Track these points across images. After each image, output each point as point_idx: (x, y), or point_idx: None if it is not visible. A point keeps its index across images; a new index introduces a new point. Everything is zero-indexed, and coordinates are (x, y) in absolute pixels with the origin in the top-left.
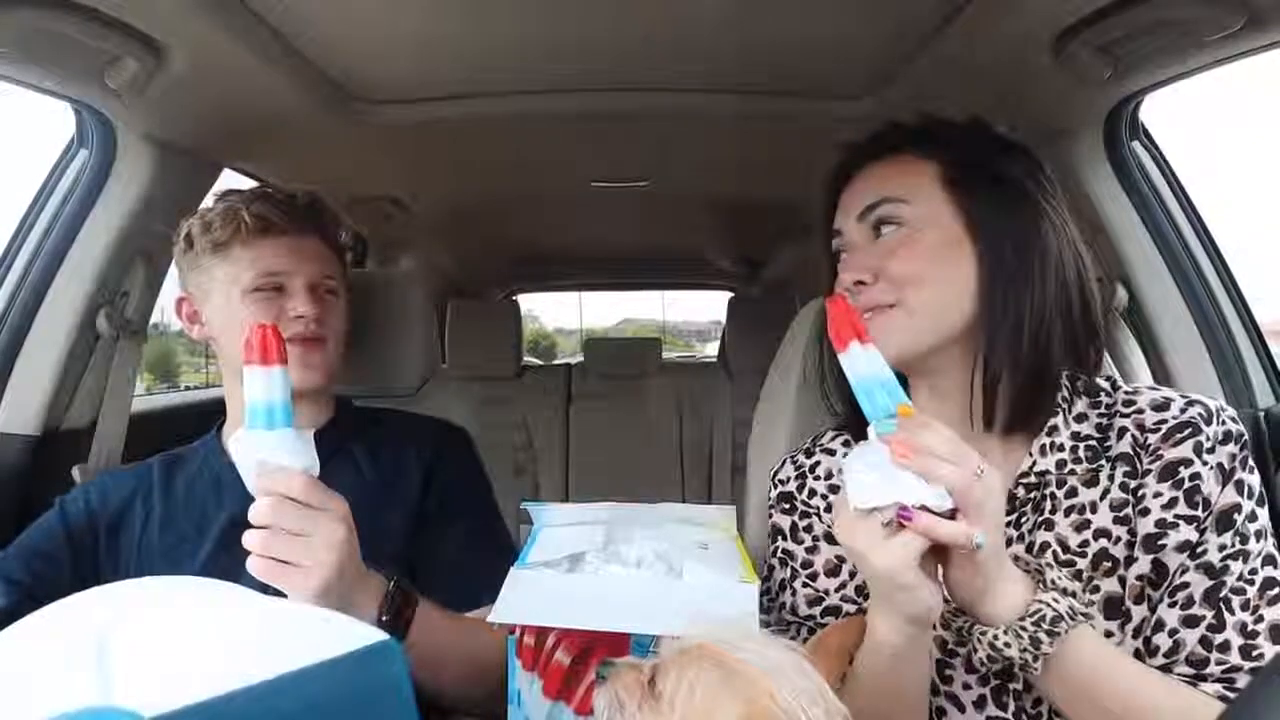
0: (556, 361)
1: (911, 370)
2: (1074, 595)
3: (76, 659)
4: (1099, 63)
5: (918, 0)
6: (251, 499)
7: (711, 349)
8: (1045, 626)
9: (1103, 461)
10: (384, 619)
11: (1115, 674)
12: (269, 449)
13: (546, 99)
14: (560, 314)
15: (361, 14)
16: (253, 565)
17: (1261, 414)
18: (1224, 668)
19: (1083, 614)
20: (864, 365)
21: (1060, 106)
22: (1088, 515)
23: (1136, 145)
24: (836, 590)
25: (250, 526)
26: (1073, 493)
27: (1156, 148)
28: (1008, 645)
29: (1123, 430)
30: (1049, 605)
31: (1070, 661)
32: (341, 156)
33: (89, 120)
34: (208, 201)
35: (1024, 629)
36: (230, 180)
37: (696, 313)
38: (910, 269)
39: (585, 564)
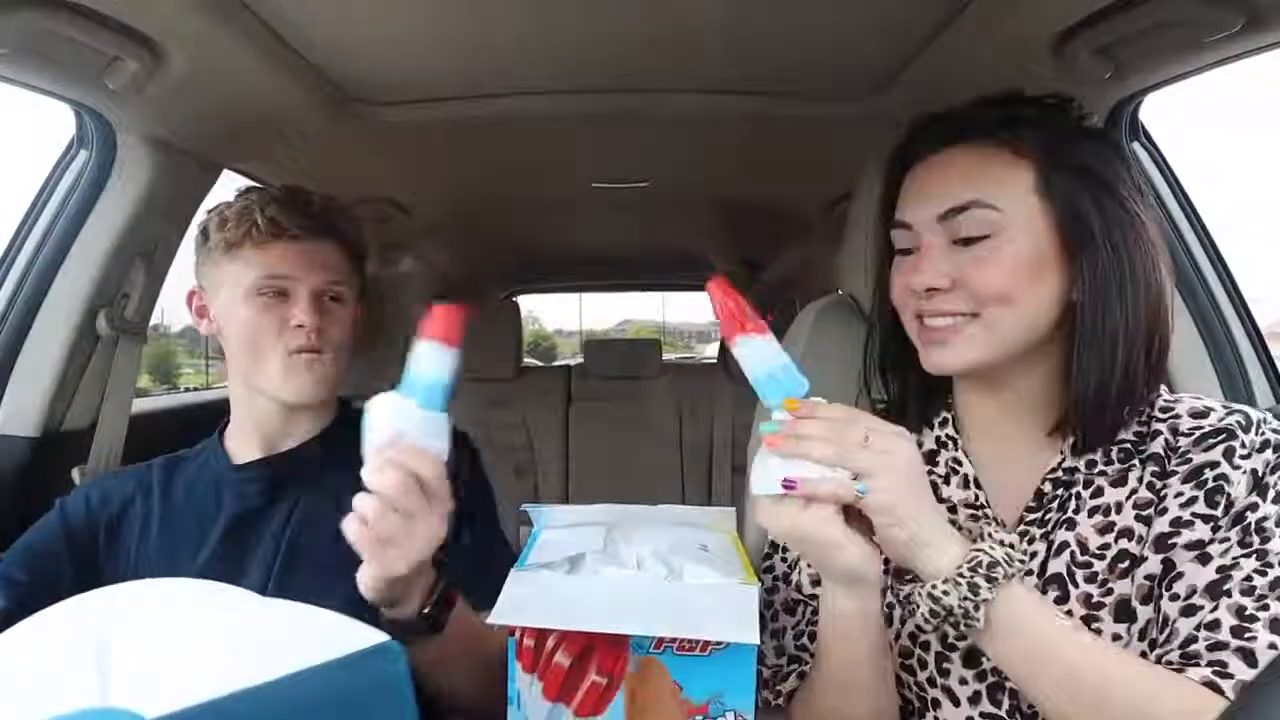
0: (556, 363)
1: (968, 374)
2: (1011, 546)
3: (76, 660)
4: (1099, 64)
5: (918, 1)
6: (253, 501)
7: (711, 350)
8: (982, 572)
9: (1134, 463)
10: (425, 610)
11: (1061, 635)
12: (412, 423)
13: (546, 99)
14: (560, 315)
15: (362, 14)
16: (354, 532)
17: None
18: (1209, 644)
19: (1019, 560)
20: (755, 357)
21: None
22: (1112, 516)
23: (1137, 146)
24: None
25: (251, 528)
26: (1099, 493)
27: (1157, 149)
28: (946, 594)
29: (1156, 434)
30: (985, 552)
31: (1015, 615)
32: (341, 157)
33: (89, 121)
34: (229, 197)
35: (961, 576)
36: (231, 180)
37: (696, 314)
38: (998, 285)
39: (585, 565)
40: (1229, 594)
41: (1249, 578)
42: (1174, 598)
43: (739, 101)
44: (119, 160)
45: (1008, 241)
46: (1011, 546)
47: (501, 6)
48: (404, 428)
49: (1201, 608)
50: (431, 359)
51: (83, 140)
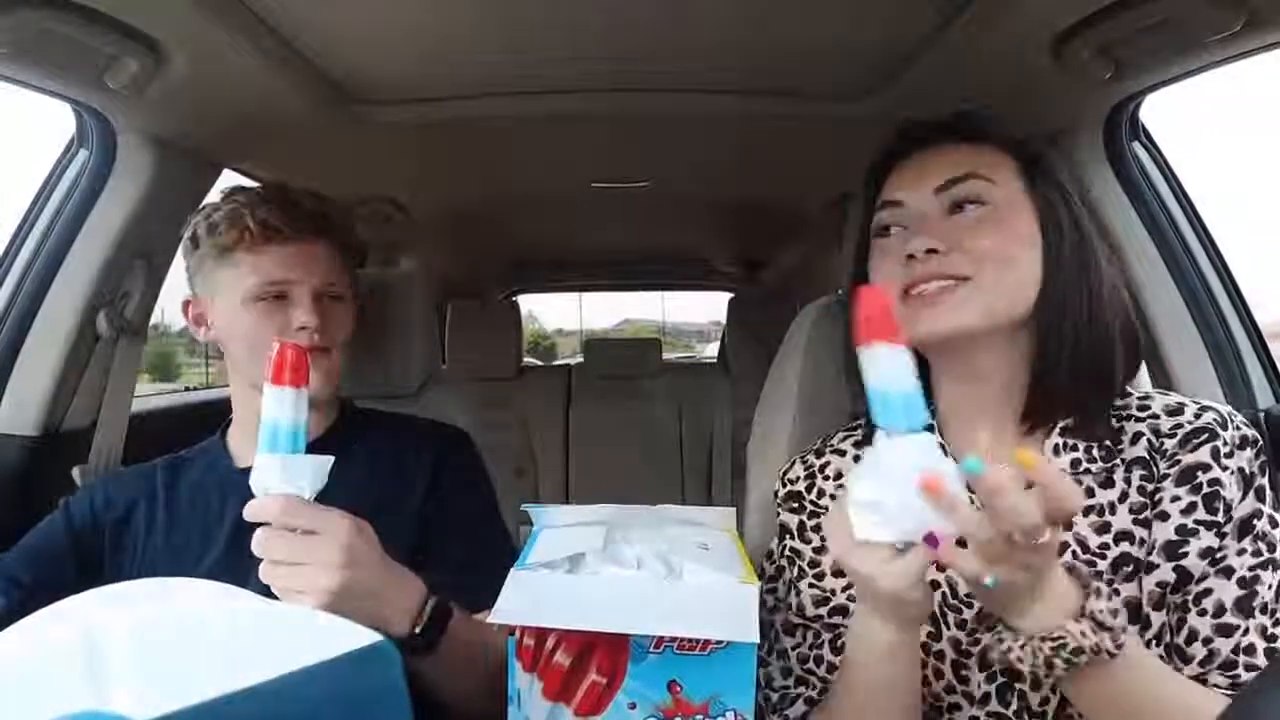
0: (557, 362)
1: (951, 351)
2: (1110, 631)
3: (72, 662)
4: (1099, 63)
5: (918, 1)
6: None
7: (711, 349)
8: (1064, 655)
9: (1117, 462)
10: (418, 630)
11: (1150, 693)
12: (273, 474)
13: (546, 99)
14: (560, 315)
15: (361, 14)
16: (266, 583)
17: (1261, 414)
18: (1249, 667)
19: (1109, 653)
20: (890, 369)
21: (1060, 107)
22: (1107, 517)
23: (1136, 146)
24: (843, 590)
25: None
26: (1090, 493)
27: (1156, 148)
28: (1019, 660)
29: (1137, 435)
30: (1075, 637)
31: (1096, 684)
32: (341, 157)
33: (89, 120)
34: (214, 198)
35: (1040, 649)
36: (231, 180)
37: (696, 313)
38: (996, 246)
39: (585, 565)
40: (1253, 613)
41: (1269, 589)
42: (1202, 613)
43: (739, 101)
44: (119, 160)
45: (1001, 214)
46: (1111, 631)
47: (501, 6)
48: (267, 480)
49: (1237, 627)
50: (273, 402)
51: (83, 140)
